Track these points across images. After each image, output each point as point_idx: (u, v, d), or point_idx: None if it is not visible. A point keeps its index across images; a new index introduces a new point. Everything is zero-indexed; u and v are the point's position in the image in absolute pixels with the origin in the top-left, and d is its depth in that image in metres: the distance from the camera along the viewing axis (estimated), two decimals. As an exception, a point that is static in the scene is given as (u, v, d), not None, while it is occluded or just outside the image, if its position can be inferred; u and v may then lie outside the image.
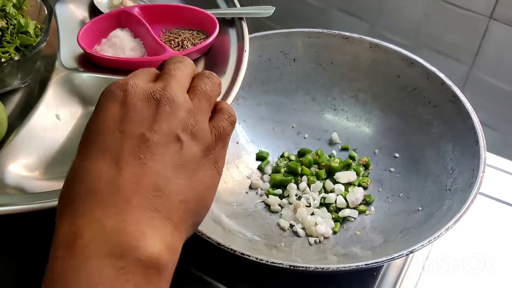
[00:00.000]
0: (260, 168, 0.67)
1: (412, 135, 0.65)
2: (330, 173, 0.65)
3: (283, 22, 0.98)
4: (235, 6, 0.62)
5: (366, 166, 0.66)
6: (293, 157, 0.67)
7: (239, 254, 0.49)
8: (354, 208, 0.62)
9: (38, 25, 0.55)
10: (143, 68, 0.37)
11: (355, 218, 0.61)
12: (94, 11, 0.63)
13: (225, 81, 0.54)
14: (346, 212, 0.61)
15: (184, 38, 0.59)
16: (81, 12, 0.63)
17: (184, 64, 0.36)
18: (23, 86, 0.55)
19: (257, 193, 0.64)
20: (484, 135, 0.58)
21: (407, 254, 0.50)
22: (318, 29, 0.68)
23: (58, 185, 0.47)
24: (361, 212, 0.62)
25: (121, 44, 0.58)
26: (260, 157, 0.67)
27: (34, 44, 0.53)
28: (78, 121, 0.54)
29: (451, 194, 0.57)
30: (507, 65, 0.79)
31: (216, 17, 0.59)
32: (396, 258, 0.49)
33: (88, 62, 0.57)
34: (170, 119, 0.33)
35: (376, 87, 0.68)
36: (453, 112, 0.62)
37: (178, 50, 0.57)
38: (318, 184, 0.63)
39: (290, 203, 0.63)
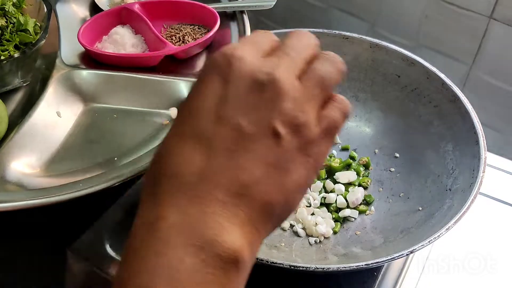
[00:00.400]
0: (260, 168, 0.67)
1: (412, 135, 0.65)
2: (330, 173, 0.65)
3: (283, 22, 0.97)
4: None
5: (366, 166, 0.66)
6: (293, 157, 0.67)
7: (239, 254, 0.49)
8: (354, 208, 0.62)
9: (37, 23, 0.55)
10: (258, 33, 0.34)
11: (355, 218, 0.61)
12: (95, 8, 0.63)
13: None
14: (346, 212, 0.61)
15: (185, 33, 0.60)
16: (82, 10, 0.63)
17: (305, 42, 0.34)
18: (24, 85, 0.55)
19: (257, 193, 0.64)
20: (484, 135, 0.58)
21: (407, 254, 0.49)
22: (318, 29, 0.68)
23: (59, 181, 0.47)
24: (361, 212, 0.61)
25: (122, 41, 0.59)
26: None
27: (33, 42, 0.53)
28: (79, 118, 0.54)
29: (451, 194, 0.57)
30: (507, 65, 0.79)
31: (217, 11, 0.58)
32: (396, 258, 0.49)
33: (89, 59, 0.57)
34: (271, 109, 0.30)
35: (376, 87, 0.68)
36: (453, 112, 0.62)
37: (180, 45, 0.57)
38: (318, 184, 0.63)
39: (290, 203, 0.62)
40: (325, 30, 0.68)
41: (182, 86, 0.55)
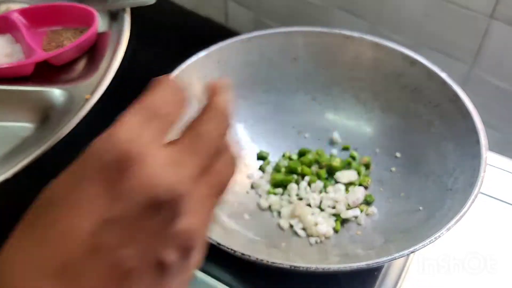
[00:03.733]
0: (261, 168, 0.67)
1: (413, 134, 0.65)
2: (331, 172, 0.65)
3: (283, 21, 0.97)
4: None
5: (367, 166, 0.66)
6: (294, 157, 0.67)
7: (239, 254, 0.49)
8: (354, 208, 0.61)
9: None
10: (158, 96, 0.25)
11: (356, 218, 0.61)
12: None
13: (95, 78, 0.51)
14: (346, 212, 0.61)
15: (65, 38, 0.58)
16: None
17: (221, 128, 0.27)
18: None
19: (257, 193, 0.64)
20: (485, 135, 0.58)
21: (408, 254, 0.49)
22: (319, 28, 0.68)
23: None
24: (361, 212, 0.61)
25: None
26: (261, 157, 0.67)
27: None
28: None
29: (452, 193, 0.57)
30: (508, 64, 0.79)
31: (101, 11, 0.56)
32: (397, 258, 0.49)
33: None
34: (163, 234, 0.24)
35: (377, 87, 0.68)
36: (454, 111, 0.62)
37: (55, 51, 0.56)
38: (319, 183, 0.63)
39: (290, 203, 0.62)
40: (325, 29, 0.68)
41: (55, 94, 0.51)
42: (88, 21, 0.57)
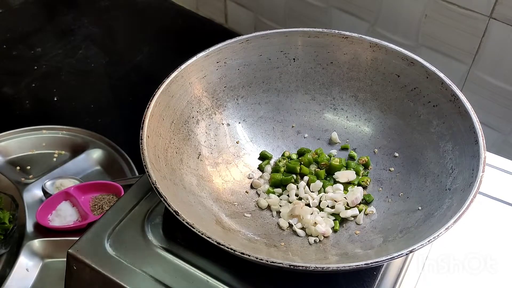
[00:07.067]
0: (260, 168, 0.67)
1: (411, 134, 0.65)
2: (330, 172, 0.65)
3: (283, 21, 0.98)
4: (136, 174, 1.00)
5: (365, 166, 0.66)
6: (294, 157, 0.67)
7: (239, 254, 0.49)
8: (353, 208, 0.62)
9: (11, 215, 0.88)
10: None
11: (354, 218, 0.61)
12: (44, 191, 0.96)
13: None
14: (345, 212, 0.61)
15: (104, 202, 0.93)
16: (39, 193, 0.96)
17: None
18: (4, 251, 0.88)
19: (257, 192, 0.64)
20: (483, 135, 0.58)
21: (406, 254, 0.49)
22: (318, 29, 0.68)
23: None
24: (360, 212, 0.62)
25: (64, 214, 0.91)
26: (264, 156, 0.67)
27: (9, 231, 0.87)
28: (41, 270, 0.87)
29: (450, 193, 0.57)
30: (507, 64, 0.79)
31: (121, 185, 0.94)
32: (396, 257, 0.49)
33: (44, 229, 0.90)
34: None
35: (376, 87, 0.68)
36: (452, 111, 0.62)
37: (101, 211, 0.90)
38: (318, 183, 0.64)
39: (289, 203, 0.63)
40: (325, 30, 0.68)
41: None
42: (116, 190, 0.95)
